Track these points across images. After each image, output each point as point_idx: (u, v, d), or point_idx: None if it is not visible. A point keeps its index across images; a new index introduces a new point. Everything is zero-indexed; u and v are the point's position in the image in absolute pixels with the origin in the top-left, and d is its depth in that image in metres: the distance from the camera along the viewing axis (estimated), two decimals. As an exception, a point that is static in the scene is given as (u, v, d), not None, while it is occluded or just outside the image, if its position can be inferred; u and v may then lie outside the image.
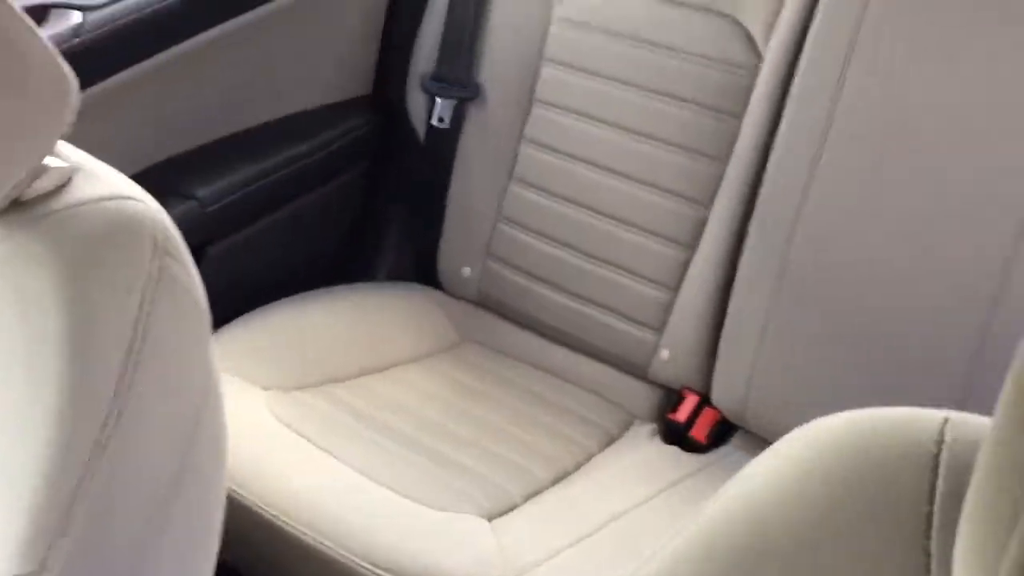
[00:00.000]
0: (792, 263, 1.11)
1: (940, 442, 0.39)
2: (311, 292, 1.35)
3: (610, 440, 1.23)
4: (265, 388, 1.17)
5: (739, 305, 1.15)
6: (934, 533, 0.37)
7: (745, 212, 1.17)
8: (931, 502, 0.38)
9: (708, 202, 1.21)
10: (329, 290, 1.37)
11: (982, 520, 0.29)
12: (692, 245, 1.22)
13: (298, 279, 1.37)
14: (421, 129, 1.39)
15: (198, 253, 1.21)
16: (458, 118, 1.36)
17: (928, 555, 0.37)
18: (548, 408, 1.26)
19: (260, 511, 1.03)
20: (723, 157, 1.20)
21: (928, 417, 0.41)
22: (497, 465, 1.13)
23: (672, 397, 1.26)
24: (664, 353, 1.25)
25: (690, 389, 1.24)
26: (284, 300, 1.31)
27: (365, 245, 1.51)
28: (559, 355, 1.34)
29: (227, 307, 1.26)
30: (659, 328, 1.25)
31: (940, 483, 0.38)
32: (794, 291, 1.11)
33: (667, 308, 1.24)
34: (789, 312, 1.11)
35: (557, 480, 1.14)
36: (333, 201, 1.44)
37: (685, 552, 0.42)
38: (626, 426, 1.26)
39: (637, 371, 1.29)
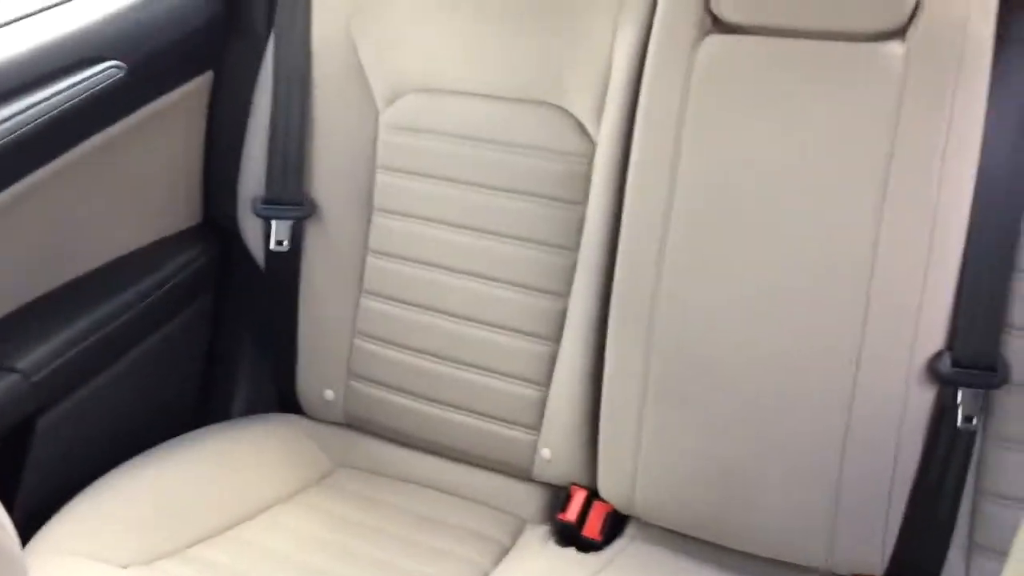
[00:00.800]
0: (656, 349, 1.09)
1: None
2: (164, 444, 1.25)
3: (503, 551, 1.18)
4: (124, 566, 1.07)
5: (612, 396, 1.13)
6: None
7: (603, 299, 1.15)
8: None
9: (565, 293, 1.19)
10: (184, 438, 1.27)
11: None
12: (556, 338, 1.20)
13: (149, 432, 1.27)
14: (260, 254, 1.33)
15: (27, 428, 1.13)
16: (297, 238, 1.30)
17: None
18: (434, 528, 1.20)
19: None
20: (573, 246, 1.18)
21: None
22: (389, 606, 1.06)
23: (560, 495, 1.22)
24: (545, 452, 1.21)
25: (577, 485, 1.21)
26: (135, 459, 1.21)
27: (218, 381, 1.42)
28: (438, 468, 1.28)
29: (69, 480, 1.16)
30: (536, 427, 1.22)
31: None
32: (662, 376, 1.09)
33: (541, 405, 1.21)
34: (661, 398, 1.10)
35: (454, 609, 1.08)
36: (177, 341, 1.35)
37: None
38: (518, 532, 1.21)
39: (520, 473, 1.24)
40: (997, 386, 0.99)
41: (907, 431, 1.00)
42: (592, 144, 1.17)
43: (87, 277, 1.25)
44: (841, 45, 1.02)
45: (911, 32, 1.00)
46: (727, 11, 1.06)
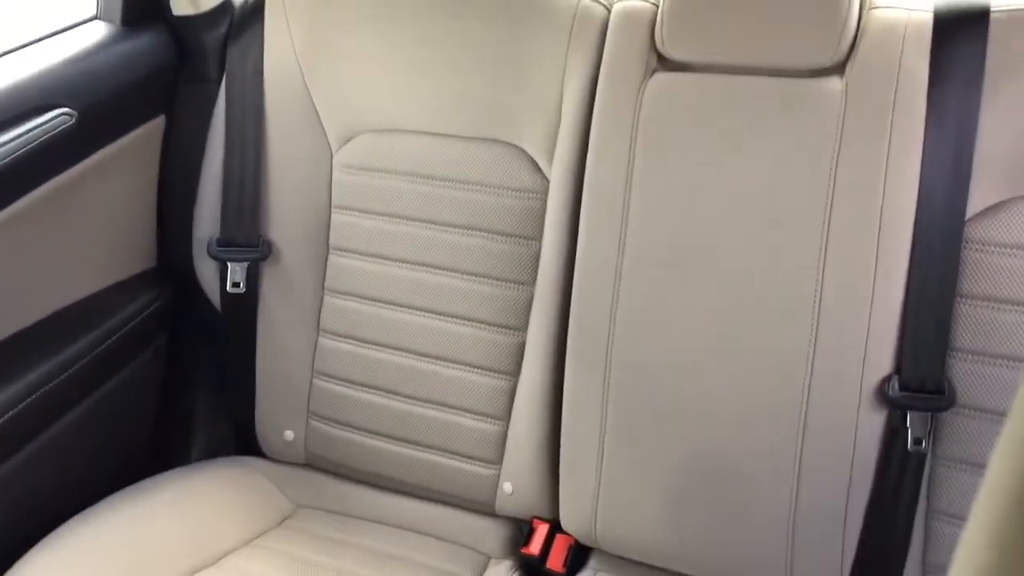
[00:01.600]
0: (613, 382, 1.11)
1: None
2: (121, 492, 1.24)
3: (468, 587, 1.18)
4: (82, 618, 1.06)
5: (571, 430, 1.14)
6: None
7: (560, 333, 1.16)
8: None
9: (523, 327, 1.20)
10: (142, 485, 1.26)
11: None
12: (515, 372, 1.21)
13: (106, 480, 1.26)
14: (216, 296, 1.33)
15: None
16: (254, 279, 1.30)
17: None
18: (397, 566, 1.20)
19: None
20: (529, 281, 1.19)
21: None
22: (353, 648, 1.06)
23: (523, 528, 1.23)
24: (507, 486, 1.22)
25: (539, 518, 1.21)
26: (91, 509, 1.20)
27: (176, 425, 1.41)
28: (400, 506, 1.28)
29: (25, 532, 1.14)
30: (497, 461, 1.22)
31: None
32: (620, 409, 1.11)
33: (501, 440, 1.22)
34: (620, 430, 1.11)
35: (420, 648, 1.08)
36: (133, 386, 1.34)
37: None
38: (482, 568, 1.21)
39: (483, 508, 1.25)
40: (944, 409, 1.01)
41: (859, 455, 1.02)
42: (545, 180, 1.18)
43: (40, 325, 1.23)
44: (782, 81, 1.05)
45: (849, 68, 1.03)
46: (673, 50, 1.09)
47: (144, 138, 1.32)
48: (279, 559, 1.19)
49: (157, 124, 1.33)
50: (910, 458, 1.02)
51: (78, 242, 1.27)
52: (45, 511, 1.18)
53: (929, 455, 1.03)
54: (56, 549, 1.13)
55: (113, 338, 1.29)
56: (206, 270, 1.33)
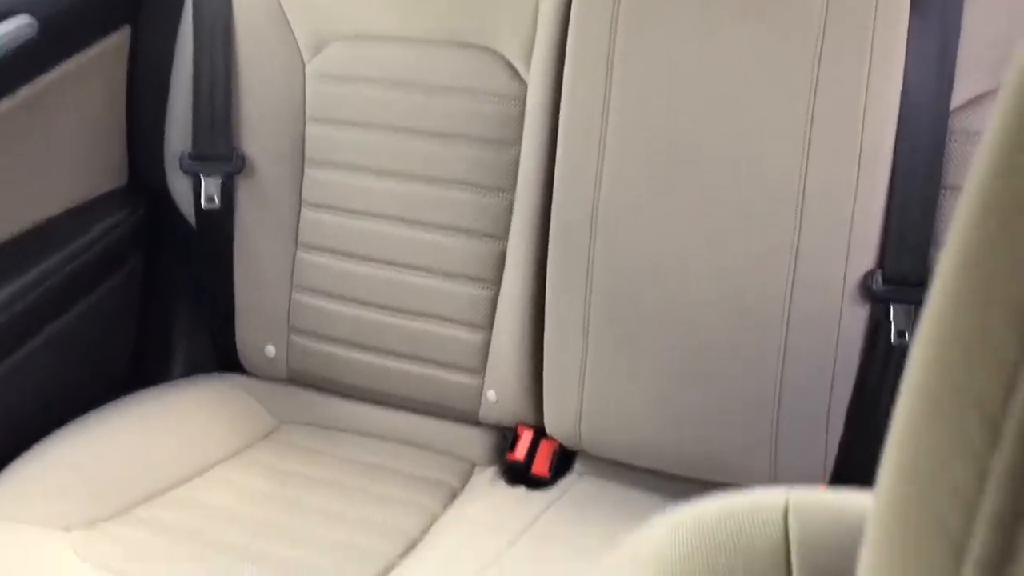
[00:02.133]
0: (595, 285, 1.10)
1: (786, 537, 0.38)
2: (103, 408, 1.23)
3: (453, 494, 1.18)
4: (67, 529, 1.05)
5: (554, 335, 1.13)
6: None
7: (541, 239, 1.15)
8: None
9: (503, 235, 1.19)
10: (123, 401, 1.25)
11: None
12: (496, 280, 1.20)
13: (86, 398, 1.24)
14: (191, 212, 1.30)
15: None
16: (228, 194, 1.28)
17: None
18: (382, 476, 1.20)
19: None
20: (509, 187, 1.18)
21: (769, 507, 0.39)
22: (339, 553, 1.06)
23: (508, 435, 1.23)
24: (491, 394, 1.21)
25: (524, 424, 1.21)
26: (73, 424, 1.19)
27: (155, 343, 1.39)
28: (383, 417, 1.28)
29: (4, 448, 1.13)
30: (480, 370, 1.22)
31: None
32: (602, 312, 1.10)
33: (484, 348, 1.21)
34: (603, 334, 1.10)
35: (406, 553, 1.08)
36: (109, 306, 1.32)
37: None
38: (467, 476, 1.21)
39: (467, 417, 1.25)
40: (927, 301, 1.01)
41: (843, 349, 1.03)
42: (523, 85, 1.16)
43: (7, 244, 1.21)
44: (764, -26, 1.03)
45: (832, -42, 1.01)
46: (651, -57, 1.06)
47: (110, 50, 1.28)
48: (263, 471, 1.19)
49: (123, 35, 1.29)
50: (893, 351, 1.02)
51: (43, 159, 1.24)
52: (25, 430, 1.17)
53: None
54: (36, 463, 1.12)
55: (83, 257, 1.27)
56: (179, 185, 1.30)
